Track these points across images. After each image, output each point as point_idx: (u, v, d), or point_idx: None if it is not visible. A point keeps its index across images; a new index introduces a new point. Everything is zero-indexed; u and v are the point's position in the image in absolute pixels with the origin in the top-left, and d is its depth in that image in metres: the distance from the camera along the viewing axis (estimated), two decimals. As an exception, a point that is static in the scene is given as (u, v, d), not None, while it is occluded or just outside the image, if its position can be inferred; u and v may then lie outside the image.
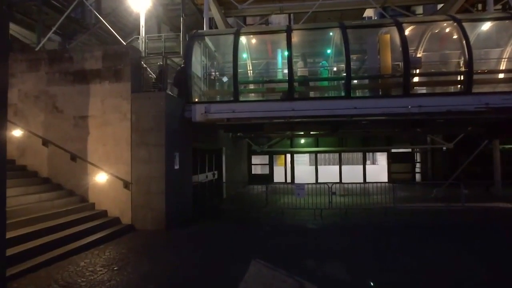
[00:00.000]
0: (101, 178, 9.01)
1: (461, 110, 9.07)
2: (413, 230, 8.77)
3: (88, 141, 9.16)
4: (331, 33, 11.76)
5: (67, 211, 8.24)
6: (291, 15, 20.74)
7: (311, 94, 10.83)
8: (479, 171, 16.24)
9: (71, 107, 9.31)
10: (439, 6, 17.37)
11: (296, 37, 10.88)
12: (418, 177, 20.05)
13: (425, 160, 19.76)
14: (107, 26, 13.77)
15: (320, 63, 12.00)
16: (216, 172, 14.42)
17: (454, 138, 15.63)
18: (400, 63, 10.09)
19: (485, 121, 10.68)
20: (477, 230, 8.75)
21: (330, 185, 11.18)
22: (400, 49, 9.84)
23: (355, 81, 10.70)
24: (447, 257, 6.51)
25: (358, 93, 10.48)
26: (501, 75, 11.11)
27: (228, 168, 15.57)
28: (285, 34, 10.37)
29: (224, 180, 14.91)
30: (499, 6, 15.58)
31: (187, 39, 10.90)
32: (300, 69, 10.81)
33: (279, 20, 23.60)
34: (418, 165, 20.20)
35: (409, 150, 20.09)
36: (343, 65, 11.29)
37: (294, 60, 10.40)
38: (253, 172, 21.14)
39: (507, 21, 10.89)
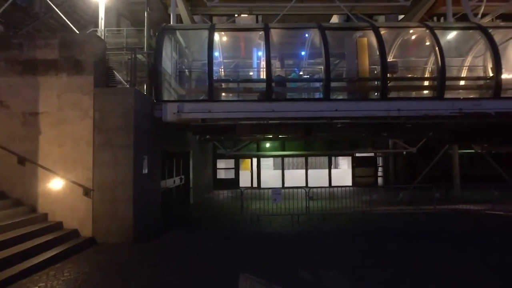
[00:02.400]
0: (56, 184, 7.79)
1: (437, 114, 9.22)
2: (404, 234, 8.59)
3: (41, 141, 7.89)
4: (306, 35, 11.57)
5: (13, 224, 6.94)
6: (259, 17, 20.43)
7: (289, 95, 10.48)
8: (438, 175, 16.99)
9: (20, 101, 7.96)
10: (401, 17, 18.18)
11: (274, 36, 10.48)
12: (380, 180, 20.62)
13: (387, 164, 20.39)
14: (60, 16, 12.32)
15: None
16: (183, 176, 13.48)
17: (413, 142, 16.24)
18: (377, 66, 10.12)
19: (453, 126, 11.04)
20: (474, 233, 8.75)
21: (307, 189, 10.84)
22: (377, 52, 9.87)
23: (334, 83, 10.49)
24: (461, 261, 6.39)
25: (337, 96, 10.31)
26: (463, 82, 11.67)
27: (195, 173, 14.68)
28: (263, 32, 9.94)
29: (191, 185, 14.01)
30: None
31: (157, 33, 10.01)
32: (277, 69, 10.42)
33: (245, 22, 23.20)
34: (380, 169, 20.79)
35: (372, 154, 20.61)
36: (320, 67, 11.15)
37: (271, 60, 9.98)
38: (218, 177, 20.33)
39: (471, 31, 11.42)
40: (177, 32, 10.81)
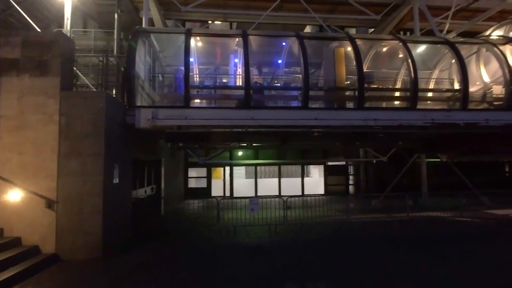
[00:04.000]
0: (13, 196, 7.05)
1: (411, 124, 9.46)
2: (388, 241, 8.59)
3: (-3, 148, 7.15)
4: (284, 43, 11.55)
5: (-38, 242, 6.19)
6: (234, 25, 20.34)
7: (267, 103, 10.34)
8: (406, 183, 17.51)
9: (-26, 104, 7.20)
10: (370, 30, 18.84)
11: (251, 44, 10.34)
12: (351, 189, 20.96)
13: (358, 172, 20.79)
14: (21, 14, 11.43)
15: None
16: (154, 186, 12.87)
17: (383, 151, 16.70)
18: (353, 76, 10.27)
19: (424, 136, 11.41)
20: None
21: (284, 199, 10.68)
22: (354, 63, 10.01)
23: (312, 92, 10.50)
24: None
25: (314, 104, 10.31)
26: (432, 94, 12.17)
27: (166, 182, 14.09)
28: (241, 38, 9.80)
29: (162, 195, 13.40)
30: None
31: (130, 36, 9.53)
32: (255, 77, 10.27)
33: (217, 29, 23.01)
34: (351, 177, 21.15)
35: (343, 163, 20.94)
36: (296, 75, 11.13)
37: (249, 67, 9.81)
38: (189, 186, 19.72)
39: (439, 45, 11.97)
40: (151, 36, 10.40)
